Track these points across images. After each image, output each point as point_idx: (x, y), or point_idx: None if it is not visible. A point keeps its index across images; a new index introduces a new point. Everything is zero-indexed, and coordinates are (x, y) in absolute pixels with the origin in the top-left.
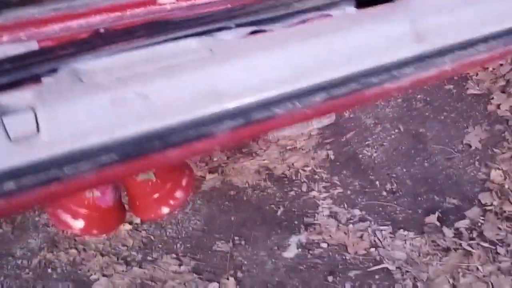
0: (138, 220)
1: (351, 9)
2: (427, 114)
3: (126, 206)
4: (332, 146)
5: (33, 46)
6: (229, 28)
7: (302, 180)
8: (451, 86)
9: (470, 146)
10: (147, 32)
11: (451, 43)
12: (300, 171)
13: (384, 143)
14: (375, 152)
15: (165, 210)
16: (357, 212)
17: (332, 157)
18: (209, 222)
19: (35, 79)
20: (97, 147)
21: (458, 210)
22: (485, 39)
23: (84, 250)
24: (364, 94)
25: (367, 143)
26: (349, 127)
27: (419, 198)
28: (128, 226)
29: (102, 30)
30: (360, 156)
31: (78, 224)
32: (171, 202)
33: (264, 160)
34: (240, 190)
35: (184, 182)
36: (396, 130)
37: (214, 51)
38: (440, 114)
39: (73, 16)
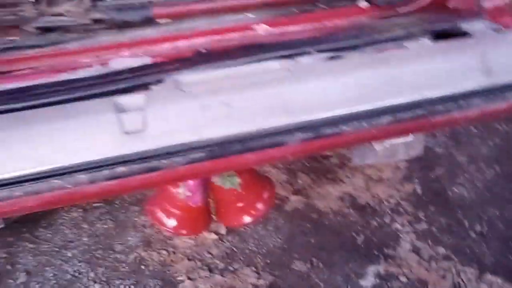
0: (223, 231)
1: (427, 42)
2: None
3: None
4: (420, 181)
5: (147, 60)
6: (309, 53)
7: (386, 211)
8: None
9: None
10: (240, 53)
11: None
12: (384, 202)
13: (477, 183)
14: (466, 191)
15: (247, 219)
16: (441, 250)
17: (419, 191)
18: (289, 241)
19: (146, 86)
20: (188, 144)
21: None
22: None
23: (174, 252)
24: (430, 120)
25: (458, 181)
26: (439, 162)
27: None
28: (214, 236)
29: (203, 50)
30: (449, 193)
31: (171, 223)
32: (253, 212)
33: (348, 187)
34: (322, 214)
35: (265, 196)
36: (492, 171)
37: (292, 72)
38: None
39: (180, 37)
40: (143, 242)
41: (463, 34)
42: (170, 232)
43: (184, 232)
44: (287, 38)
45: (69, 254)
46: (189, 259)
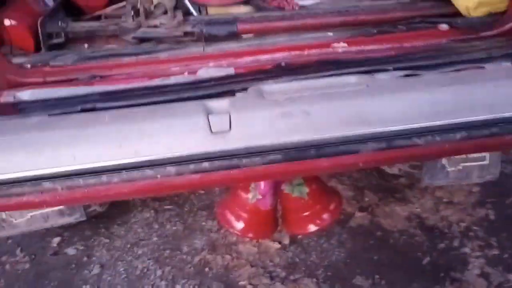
0: (287, 241)
1: (507, 64)
2: None
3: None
4: (493, 206)
5: (230, 71)
6: (387, 70)
7: (455, 235)
8: None
9: None
10: (318, 68)
11: None
12: (454, 225)
13: None
14: None
15: (311, 228)
16: (511, 277)
17: (492, 217)
18: (352, 256)
19: (231, 93)
20: (267, 147)
21: None
22: None
23: (237, 258)
24: (505, 138)
25: None
26: None
27: None
28: (277, 245)
29: (283, 64)
30: None
31: (239, 225)
32: (318, 222)
33: (416, 208)
34: (387, 233)
35: (332, 207)
36: None
37: (369, 86)
38: None
39: (262, 51)
40: (208, 245)
41: None
42: (238, 234)
43: (251, 235)
44: (364, 55)
45: (140, 252)
46: (251, 265)
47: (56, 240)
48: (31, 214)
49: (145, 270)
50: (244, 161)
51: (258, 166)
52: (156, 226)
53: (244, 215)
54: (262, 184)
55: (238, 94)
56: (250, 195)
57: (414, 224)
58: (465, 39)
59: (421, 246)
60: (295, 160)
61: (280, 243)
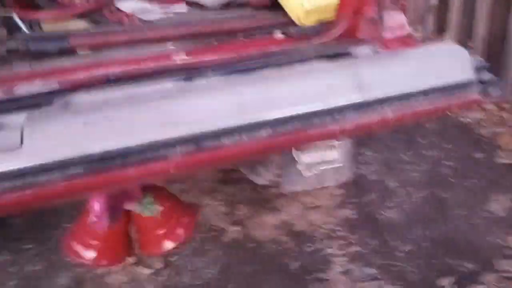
0: (159, 265)
1: (315, 63)
2: (453, 180)
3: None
4: (353, 206)
5: (48, 87)
6: (206, 75)
7: (320, 237)
8: (481, 155)
9: (494, 213)
10: (145, 78)
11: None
12: (319, 228)
13: (405, 206)
14: (395, 214)
15: (169, 245)
16: (370, 271)
17: (352, 217)
18: (225, 271)
19: (36, 107)
20: (69, 160)
21: (474, 275)
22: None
23: None
24: (308, 133)
25: (388, 205)
26: (371, 189)
27: (434, 261)
28: (148, 271)
29: (111, 77)
30: (380, 217)
31: (89, 255)
32: (174, 238)
33: (285, 216)
34: (259, 243)
35: (185, 221)
36: (420, 195)
37: (182, 90)
38: (467, 181)
39: (95, 66)
40: (74, 281)
41: (347, 55)
42: (90, 264)
43: (104, 262)
44: (194, 64)
45: None
46: None
47: None
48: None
49: None
50: (41, 178)
51: (59, 182)
52: (13, 270)
53: (91, 242)
54: (95, 204)
55: (42, 108)
56: (89, 219)
57: (283, 231)
58: (296, 45)
59: (290, 252)
60: (99, 172)
61: (150, 268)
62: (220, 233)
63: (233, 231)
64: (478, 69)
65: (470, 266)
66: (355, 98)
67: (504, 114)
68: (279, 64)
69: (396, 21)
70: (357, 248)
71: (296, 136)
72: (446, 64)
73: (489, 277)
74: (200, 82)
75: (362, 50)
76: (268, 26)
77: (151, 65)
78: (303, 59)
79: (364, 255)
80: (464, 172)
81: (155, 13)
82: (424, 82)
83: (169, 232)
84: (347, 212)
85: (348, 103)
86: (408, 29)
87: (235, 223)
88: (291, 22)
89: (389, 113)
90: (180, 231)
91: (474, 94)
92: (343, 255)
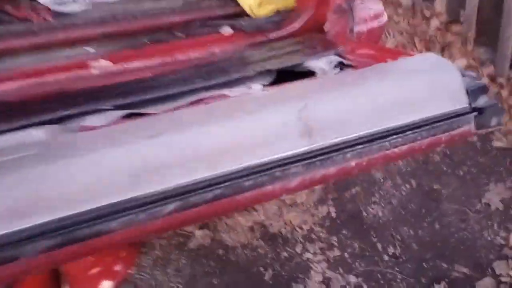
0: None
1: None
2: (444, 169)
3: None
4: (335, 202)
5: None
6: (102, 110)
7: (298, 240)
8: (476, 139)
9: (490, 206)
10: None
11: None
12: (297, 229)
13: (392, 201)
14: (381, 210)
15: (106, 285)
16: (352, 279)
17: (333, 214)
18: (190, 284)
19: None
20: None
21: (468, 281)
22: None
23: None
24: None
25: (373, 199)
26: (355, 181)
27: (425, 265)
28: None
29: None
30: (364, 214)
31: None
32: (112, 276)
33: (260, 216)
34: (229, 250)
35: (124, 254)
36: (408, 186)
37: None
38: (459, 169)
39: None
40: None
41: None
42: None
43: None
44: (115, 75)
45: None
46: None
47: None
48: None
49: None
50: None
51: None
52: None
53: None
54: None
55: None
56: None
57: (257, 234)
58: (251, 44)
59: (264, 258)
60: None
61: None
62: (186, 238)
63: (201, 236)
64: (471, 92)
65: (464, 270)
66: (302, 145)
67: (502, 92)
68: (206, 88)
69: (370, 10)
70: (339, 252)
71: (215, 206)
72: (428, 88)
73: (486, 283)
74: (95, 120)
75: (320, 63)
76: (214, 19)
77: (59, 77)
78: (239, 79)
79: (346, 260)
80: (457, 159)
81: (75, 3)
82: (398, 118)
83: (106, 270)
84: (328, 209)
85: (292, 153)
86: (385, 19)
87: (203, 226)
88: (243, 13)
89: (350, 161)
90: (118, 267)
91: (466, 126)
92: (324, 260)
